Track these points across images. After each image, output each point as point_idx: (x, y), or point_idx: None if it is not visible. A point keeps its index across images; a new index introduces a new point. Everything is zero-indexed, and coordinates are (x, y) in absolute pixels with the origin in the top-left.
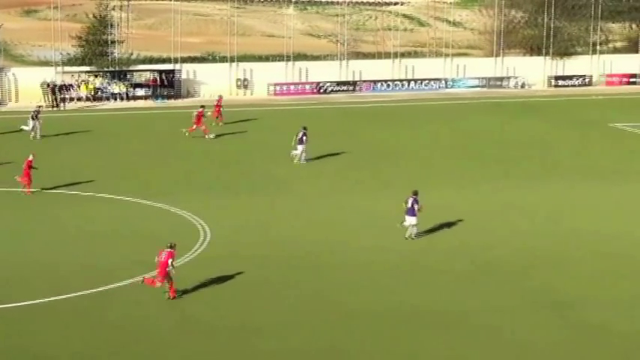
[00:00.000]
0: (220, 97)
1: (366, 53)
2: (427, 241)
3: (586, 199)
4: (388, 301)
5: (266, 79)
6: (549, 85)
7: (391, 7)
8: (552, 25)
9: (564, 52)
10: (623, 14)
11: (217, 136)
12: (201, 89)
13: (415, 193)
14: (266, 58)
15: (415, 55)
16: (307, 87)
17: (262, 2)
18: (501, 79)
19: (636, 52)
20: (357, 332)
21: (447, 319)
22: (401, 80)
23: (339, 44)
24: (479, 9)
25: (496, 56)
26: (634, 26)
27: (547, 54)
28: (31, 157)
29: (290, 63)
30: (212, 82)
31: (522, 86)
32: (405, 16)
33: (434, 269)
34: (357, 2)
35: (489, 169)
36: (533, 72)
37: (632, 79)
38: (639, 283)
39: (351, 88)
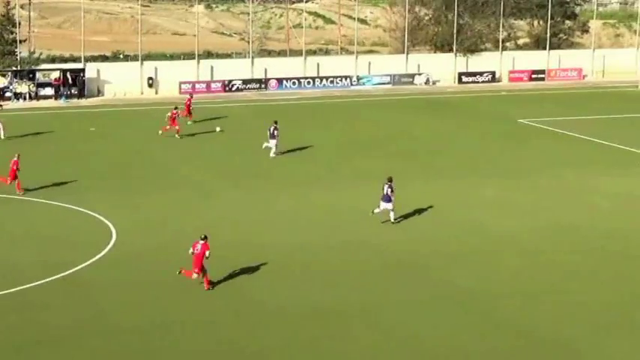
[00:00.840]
0: (191, 95)
1: (274, 51)
2: (340, 239)
3: (494, 195)
4: (294, 299)
5: (175, 78)
6: (456, 81)
7: (299, 5)
8: (459, 22)
9: (471, 49)
10: (528, 11)
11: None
12: (108, 88)
13: (390, 180)
14: (175, 57)
15: (323, 52)
16: (216, 85)
17: (171, 0)
18: (409, 75)
19: (540, 48)
20: (275, 331)
21: (364, 315)
22: (309, 78)
23: (247, 42)
24: (386, 6)
25: (404, 53)
26: (537, 23)
27: (454, 51)
28: (16, 158)
29: (199, 61)
30: (120, 81)
31: (430, 83)
32: (313, 13)
33: (349, 267)
34: (265, 0)
35: (399, 165)
36: (440, 69)
37: (536, 75)
38: (554, 277)
39: (260, 85)
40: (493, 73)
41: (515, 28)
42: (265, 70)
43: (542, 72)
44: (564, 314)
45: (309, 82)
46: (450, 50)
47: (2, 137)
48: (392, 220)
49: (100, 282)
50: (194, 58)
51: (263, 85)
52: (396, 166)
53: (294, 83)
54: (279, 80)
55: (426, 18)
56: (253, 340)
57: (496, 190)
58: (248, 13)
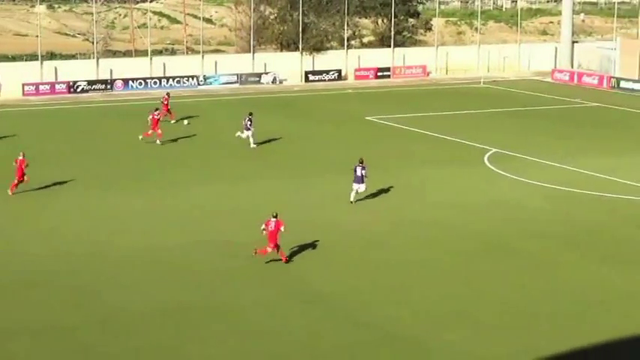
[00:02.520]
0: (167, 94)
1: (119, 51)
2: (193, 238)
3: (343, 192)
4: (152, 299)
5: (17, 79)
6: (303, 80)
7: (143, 5)
8: (304, 21)
9: (316, 48)
10: (372, 10)
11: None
12: None
13: (361, 162)
14: (17, 58)
15: (169, 52)
16: (61, 86)
17: (11, 1)
18: (256, 75)
19: (385, 46)
20: (119, 331)
21: (212, 314)
22: (156, 78)
23: (92, 43)
24: (231, 5)
25: (250, 52)
26: (382, 21)
27: (300, 49)
28: (21, 157)
29: (42, 62)
30: None
31: (277, 82)
32: (157, 13)
33: (198, 267)
34: (108, 0)
35: (251, 165)
36: (287, 67)
37: (382, 73)
38: (404, 273)
39: (105, 86)
40: (339, 72)
41: (359, 26)
42: (111, 71)
43: (388, 70)
44: (412, 309)
45: (155, 83)
46: (296, 49)
47: None
48: (352, 199)
49: None
50: (37, 60)
51: (109, 86)
52: (248, 166)
53: (140, 84)
54: (125, 81)
55: (272, 17)
56: (105, 343)
57: (344, 186)
58: (91, 14)
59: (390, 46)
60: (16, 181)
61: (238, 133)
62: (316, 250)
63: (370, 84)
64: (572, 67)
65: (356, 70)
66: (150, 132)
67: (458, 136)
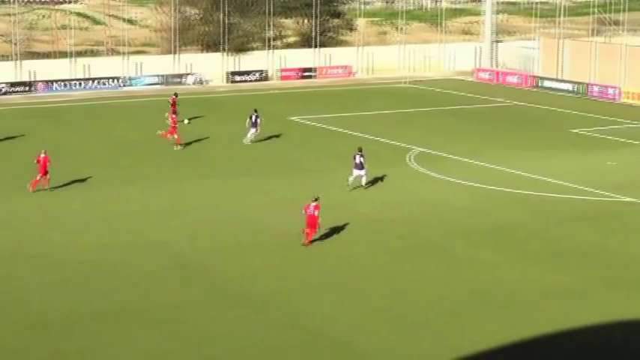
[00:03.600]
0: (175, 94)
1: (41, 53)
2: (122, 240)
3: (268, 191)
4: (78, 302)
5: None
6: (227, 80)
7: (65, 6)
8: (227, 22)
9: (240, 48)
10: (295, 10)
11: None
12: None
13: (360, 150)
14: None
15: (92, 53)
16: None
17: None
18: (180, 75)
19: (308, 46)
20: (44, 333)
21: (139, 316)
22: (78, 79)
23: (12, 44)
24: (154, 6)
25: (173, 53)
26: (305, 22)
27: (223, 50)
28: (43, 154)
29: None
30: None
31: (201, 82)
32: (79, 14)
33: (131, 268)
34: (28, 1)
35: (180, 165)
36: (210, 68)
37: (306, 73)
38: (338, 272)
39: (26, 88)
40: (264, 72)
41: (283, 26)
42: (32, 73)
43: (312, 70)
44: (338, 308)
45: (78, 84)
46: (220, 50)
47: None
48: (363, 185)
49: None
50: None
51: (30, 88)
52: (175, 167)
53: (62, 85)
54: (47, 82)
55: (195, 18)
56: (27, 347)
57: (269, 186)
58: (11, 15)
59: (313, 46)
60: (38, 178)
61: (246, 137)
62: (243, 250)
63: (295, 84)
64: (494, 66)
65: (281, 71)
66: (176, 137)
67: (382, 135)
